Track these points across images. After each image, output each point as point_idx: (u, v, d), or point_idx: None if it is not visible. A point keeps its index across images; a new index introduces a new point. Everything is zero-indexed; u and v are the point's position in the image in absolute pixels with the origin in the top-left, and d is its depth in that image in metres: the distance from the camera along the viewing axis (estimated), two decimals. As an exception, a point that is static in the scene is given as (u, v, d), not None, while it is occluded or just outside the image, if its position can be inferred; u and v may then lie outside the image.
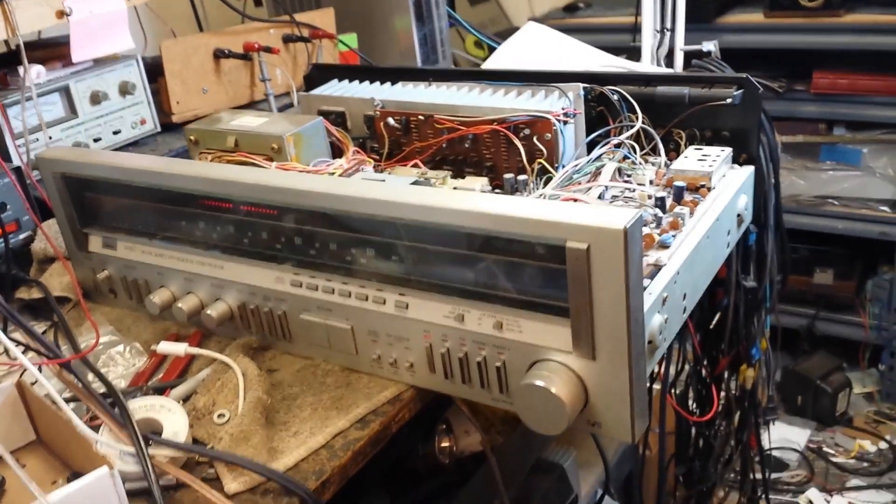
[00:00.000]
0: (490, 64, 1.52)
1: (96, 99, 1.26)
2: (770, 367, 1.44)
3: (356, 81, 1.18)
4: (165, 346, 0.85)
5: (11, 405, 0.76)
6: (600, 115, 1.03)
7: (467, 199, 0.69)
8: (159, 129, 1.36)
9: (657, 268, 0.78)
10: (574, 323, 0.66)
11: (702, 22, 2.13)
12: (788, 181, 2.32)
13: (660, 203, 0.87)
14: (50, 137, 1.20)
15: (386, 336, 0.79)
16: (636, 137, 0.99)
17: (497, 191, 0.97)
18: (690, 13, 1.78)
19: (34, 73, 1.18)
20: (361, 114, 1.10)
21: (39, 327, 0.97)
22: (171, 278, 0.92)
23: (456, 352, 0.75)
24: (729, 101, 0.96)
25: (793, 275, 2.29)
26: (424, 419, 0.97)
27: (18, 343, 0.76)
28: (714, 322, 1.28)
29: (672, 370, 1.39)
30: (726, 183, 0.94)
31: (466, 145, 1.00)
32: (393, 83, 1.14)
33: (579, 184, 0.92)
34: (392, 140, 1.06)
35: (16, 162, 1.14)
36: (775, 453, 2.16)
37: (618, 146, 0.98)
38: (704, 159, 0.94)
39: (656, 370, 1.35)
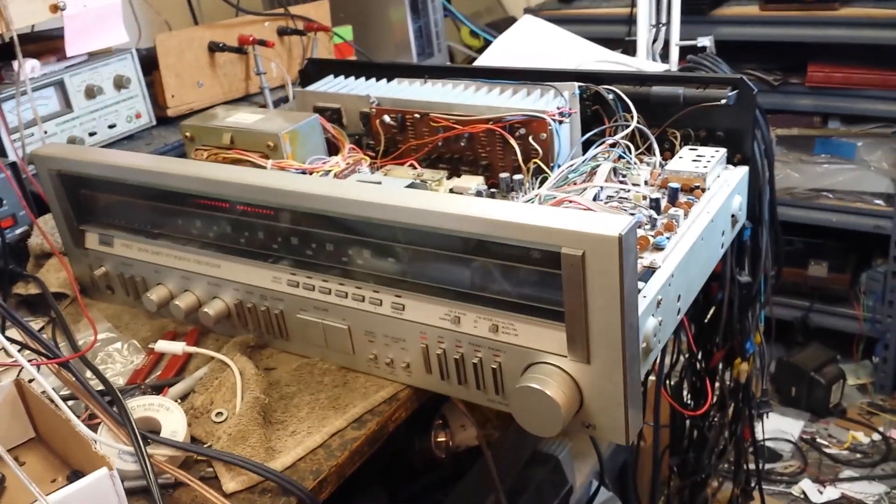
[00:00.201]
0: (485, 58, 1.51)
1: (91, 93, 1.26)
2: (764, 360, 1.45)
3: (352, 77, 1.18)
4: (163, 345, 0.85)
5: (10, 403, 0.77)
6: (595, 113, 1.04)
7: (462, 204, 0.69)
8: (154, 123, 1.36)
9: (652, 270, 0.79)
10: (569, 328, 0.67)
11: (697, 14, 2.12)
12: (783, 174, 2.32)
13: (654, 204, 0.88)
14: (45, 132, 1.20)
15: (383, 337, 0.79)
16: (631, 137, 1.00)
17: (493, 190, 0.97)
18: (686, 5, 1.78)
19: (29, 68, 1.17)
20: (357, 111, 1.10)
21: (37, 323, 0.98)
22: (168, 276, 0.92)
23: (452, 353, 0.75)
24: (723, 101, 0.96)
25: (787, 267, 2.30)
26: (421, 415, 0.97)
27: (15, 342, 0.76)
28: (708, 316, 1.28)
29: (667, 361, 1.40)
30: (721, 184, 0.94)
31: (462, 144, 1.00)
32: (389, 80, 1.14)
33: (574, 184, 0.93)
34: (388, 138, 1.06)
35: (11, 157, 1.14)
36: (769, 444, 2.18)
37: (613, 146, 0.98)
38: (699, 160, 0.94)
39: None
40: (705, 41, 1.54)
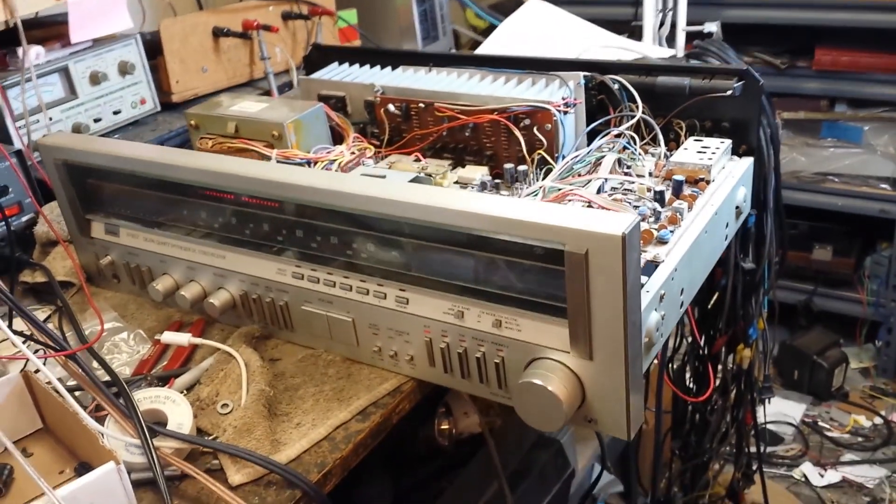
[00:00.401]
0: (490, 42, 1.51)
1: (96, 79, 1.26)
2: (767, 347, 1.45)
3: (356, 65, 1.18)
4: (169, 336, 0.86)
5: (18, 395, 0.78)
6: (601, 103, 1.03)
7: (466, 201, 0.69)
8: (159, 109, 1.36)
9: (655, 264, 0.79)
10: (572, 324, 0.67)
11: (705, -4, 2.11)
12: (789, 158, 2.31)
13: (659, 197, 0.88)
14: (50, 119, 1.20)
15: (387, 329, 0.80)
16: (636, 127, 1.00)
17: (497, 181, 0.97)
18: (693, -12, 1.76)
19: (33, 55, 1.17)
20: (362, 99, 1.10)
21: (43, 312, 0.99)
22: (173, 266, 0.93)
23: (455, 347, 0.76)
24: (729, 93, 0.96)
25: (792, 251, 2.30)
26: (424, 403, 0.98)
27: (22, 335, 0.77)
28: (712, 302, 1.29)
29: (669, 345, 1.40)
30: (725, 175, 0.94)
31: (467, 134, 1.00)
32: (394, 67, 1.14)
33: (579, 175, 0.93)
34: (392, 127, 1.06)
35: (16, 144, 1.14)
36: (770, 427, 2.19)
37: (618, 136, 0.98)
38: (704, 151, 0.94)
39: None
40: (712, 27, 1.52)
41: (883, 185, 2.24)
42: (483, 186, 0.96)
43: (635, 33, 1.76)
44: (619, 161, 0.96)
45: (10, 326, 0.85)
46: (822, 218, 2.35)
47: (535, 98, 0.96)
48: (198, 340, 0.86)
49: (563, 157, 0.96)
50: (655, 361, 1.42)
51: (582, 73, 1.01)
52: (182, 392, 0.81)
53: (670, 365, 1.48)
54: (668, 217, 0.85)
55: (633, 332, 0.67)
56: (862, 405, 2.29)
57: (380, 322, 0.80)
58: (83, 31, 1.22)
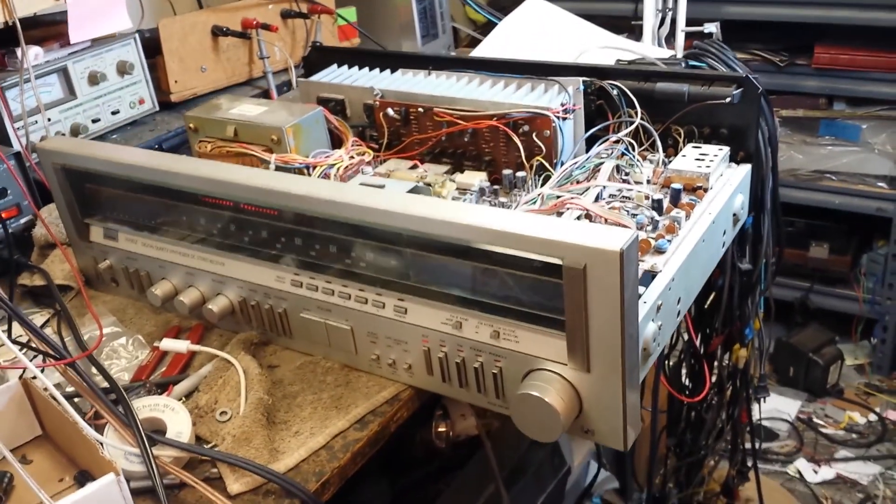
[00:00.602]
0: (490, 42, 1.51)
1: (94, 79, 1.25)
2: (763, 346, 1.46)
3: (356, 67, 1.17)
4: (168, 344, 0.86)
5: (17, 402, 0.78)
6: (599, 108, 1.04)
7: (465, 213, 0.69)
8: (157, 109, 1.36)
9: (652, 274, 0.79)
10: (569, 337, 0.68)
11: (704, -7, 2.11)
12: (787, 155, 2.31)
13: (656, 205, 0.88)
14: (49, 119, 1.20)
15: (385, 338, 0.80)
16: (635, 133, 1.00)
17: (496, 187, 0.97)
18: (693, -17, 1.76)
19: (32, 55, 1.17)
20: (361, 102, 1.10)
21: (42, 315, 0.99)
22: (172, 271, 0.93)
23: (453, 357, 0.76)
24: (728, 100, 0.96)
25: (789, 248, 2.31)
26: (422, 405, 0.99)
27: (21, 343, 0.77)
28: (708, 302, 1.29)
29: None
30: (723, 183, 0.94)
31: (466, 139, 1.01)
32: (393, 70, 1.14)
33: (577, 182, 0.93)
34: (391, 131, 1.06)
35: (15, 145, 1.14)
36: (765, 423, 2.20)
37: (616, 142, 0.98)
38: (702, 159, 0.94)
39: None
40: (712, 27, 1.52)
41: (880, 184, 2.24)
42: (481, 192, 0.96)
43: (635, 31, 1.76)
44: (618, 168, 0.96)
45: (9, 333, 0.86)
46: (819, 216, 2.36)
47: (534, 104, 0.96)
48: (196, 348, 0.87)
49: (562, 163, 0.96)
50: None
51: (581, 79, 1.01)
52: (181, 399, 0.82)
53: (666, 362, 1.49)
54: (665, 226, 0.85)
55: (631, 345, 0.67)
56: (857, 402, 2.30)
57: (378, 331, 0.80)
58: (82, 31, 1.21)
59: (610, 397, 0.69)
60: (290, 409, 0.80)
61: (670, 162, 0.96)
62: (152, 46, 1.37)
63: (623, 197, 0.92)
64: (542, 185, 0.93)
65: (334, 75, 1.16)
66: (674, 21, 1.64)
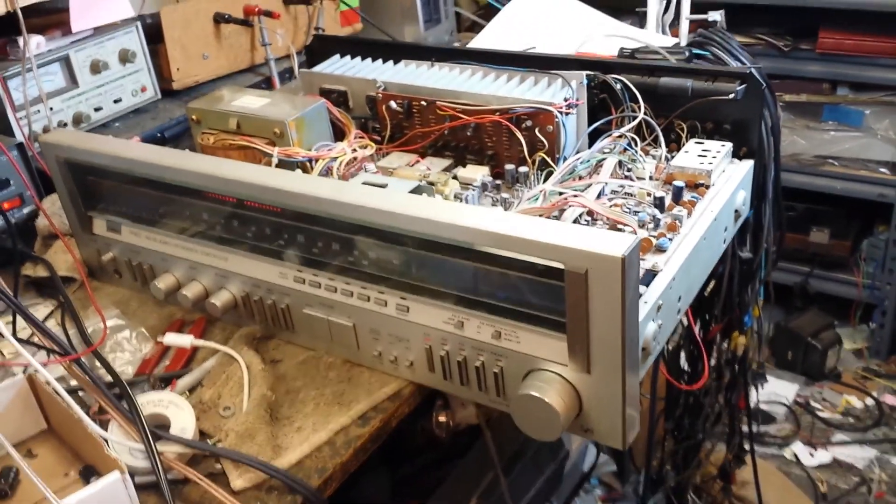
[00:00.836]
0: (492, 27, 1.50)
1: (96, 68, 1.25)
2: (762, 334, 1.47)
3: (358, 58, 1.17)
4: (171, 338, 0.87)
5: (23, 397, 0.79)
6: (602, 102, 1.03)
7: (467, 216, 0.70)
8: (160, 97, 1.36)
9: (653, 273, 0.80)
10: (570, 339, 0.68)
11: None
12: (790, 140, 2.31)
13: (658, 203, 0.88)
14: (51, 108, 1.20)
15: (387, 335, 0.81)
16: (637, 127, 1.00)
17: (498, 181, 0.98)
18: (698, -32, 1.74)
19: (34, 45, 1.17)
20: (364, 94, 1.10)
21: (45, 307, 0.99)
22: (175, 265, 0.93)
23: (455, 355, 0.77)
24: (731, 96, 0.96)
25: (790, 233, 2.31)
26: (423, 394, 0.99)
27: (27, 342, 0.78)
28: (708, 289, 1.29)
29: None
30: (725, 179, 0.94)
31: (468, 133, 1.01)
32: (396, 61, 1.14)
33: (580, 178, 0.93)
34: (394, 123, 1.06)
35: (18, 136, 1.14)
36: (763, 407, 2.21)
37: (619, 137, 0.98)
38: (705, 155, 0.94)
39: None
40: (716, 15, 1.51)
41: (882, 170, 2.24)
42: (484, 188, 0.96)
43: (638, 15, 1.75)
44: (620, 163, 0.96)
45: (13, 326, 0.86)
46: (821, 200, 2.36)
47: (537, 99, 0.96)
48: (200, 343, 0.87)
49: (565, 158, 0.97)
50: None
51: (584, 73, 1.01)
52: (184, 393, 0.83)
53: (666, 345, 1.49)
54: (667, 224, 0.86)
55: (631, 347, 0.68)
56: (854, 386, 2.32)
57: (380, 328, 0.81)
58: (84, 20, 1.21)
59: (610, 398, 0.70)
60: (293, 405, 0.81)
61: (673, 157, 0.96)
62: (154, 32, 1.36)
63: (625, 193, 0.92)
64: (545, 181, 0.93)
65: (337, 66, 1.16)
66: (678, 8, 1.63)
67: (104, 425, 0.75)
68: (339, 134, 1.07)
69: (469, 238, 0.69)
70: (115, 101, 1.29)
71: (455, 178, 0.98)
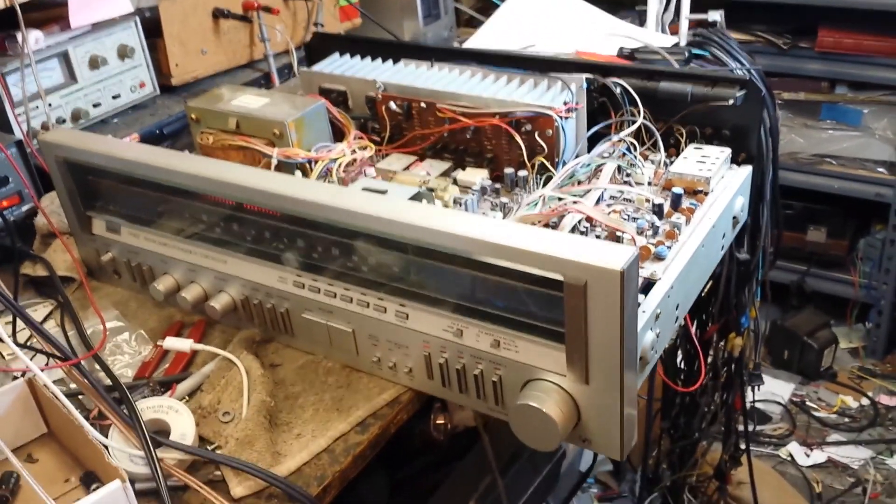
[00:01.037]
0: (491, 24, 1.50)
1: (95, 63, 1.25)
2: (758, 335, 1.47)
3: (357, 57, 1.17)
4: (171, 342, 0.87)
5: (23, 401, 0.79)
6: (602, 106, 1.03)
7: (466, 225, 0.70)
8: (158, 92, 1.35)
9: (651, 282, 0.80)
10: (569, 349, 0.69)
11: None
12: (788, 138, 2.31)
13: (657, 210, 0.88)
14: (49, 105, 1.19)
15: (386, 342, 0.81)
16: (637, 131, 1.00)
17: (497, 185, 0.98)
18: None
19: (32, 40, 1.16)
20: (363, 94, 1.10)
21: (45, 306, 0.99)
22: (174, 266, 0.93)
23: (454, 363, 0.77)
24: (731, 102, 0.96)
25: (787, 231, 2.32)
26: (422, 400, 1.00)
27: (27, 347, 0.78)
28: (705, 290, 1.30)
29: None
30: (724, 186, 0.94)
31: (468, 136, 1.01)
32: (395, 60, 1.13)
33: (578, 183, 0.93)
34: (393, 124, 1.06)
35: (16, 132, 1.14)
36: (759, 406, 2.22)
37: (618, 142, 0.98)
38: (704, 161, 0.94)
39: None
40: (716, 15, 1.52)
41: (880, 169, 2.24)
42: (483, 192, 0.96)
43: (636, 8, 1.74)
44: (619, 168, 0.96)
45: (13, 328, 0.86)
46: (818, 199, 2.36)
47: (536, 102, 0.96)
48: (200, 347, 0.87)
49: (564, 162, 0.97)
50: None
51: (584, 76, 1.00)
52: (184, 398, 0.83)
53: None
54: (665, 232, 0.86)
55: (629, 360, 0.68)
56: (850, 386, 2.33)
57: (379, 334, 0.81)
58: (82, 15, 1.20)
59: (608, 409, 0.70)
60: (292, 411, 0.81)
61: (672, 163, 0.96)
62: (152, 27, 1.35)
63: (624, 199, 0.92)
64: (544, 186, 0.93)
65: (336, 65, 1.16)
66: (678, 7, 1.63)
67: (104, 430, 0.75)
68: (338, 133, 1.07)
69: (468, 247, 0.70)
70: (114, 97, 1.28)
71: (454, 181, 0.98)
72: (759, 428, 2.18)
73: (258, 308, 0.89)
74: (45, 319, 0.96)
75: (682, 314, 0.87)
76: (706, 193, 0.92)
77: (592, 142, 1.00)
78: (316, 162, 0.99)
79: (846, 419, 2.22)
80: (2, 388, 0.77)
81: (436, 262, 0.74)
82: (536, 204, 0.89)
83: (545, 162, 0.96)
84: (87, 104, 1.25)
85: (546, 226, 0.86)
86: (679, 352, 1.52)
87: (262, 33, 1.45)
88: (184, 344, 0.87)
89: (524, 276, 0.69)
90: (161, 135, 1.29)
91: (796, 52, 2.23)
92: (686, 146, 0.99)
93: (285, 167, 0.98)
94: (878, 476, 2.03)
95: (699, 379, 1.51)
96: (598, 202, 0.91)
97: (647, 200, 0.90)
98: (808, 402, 2.28)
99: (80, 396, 0.82)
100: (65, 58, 1.21)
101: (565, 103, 0.97)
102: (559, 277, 0.65)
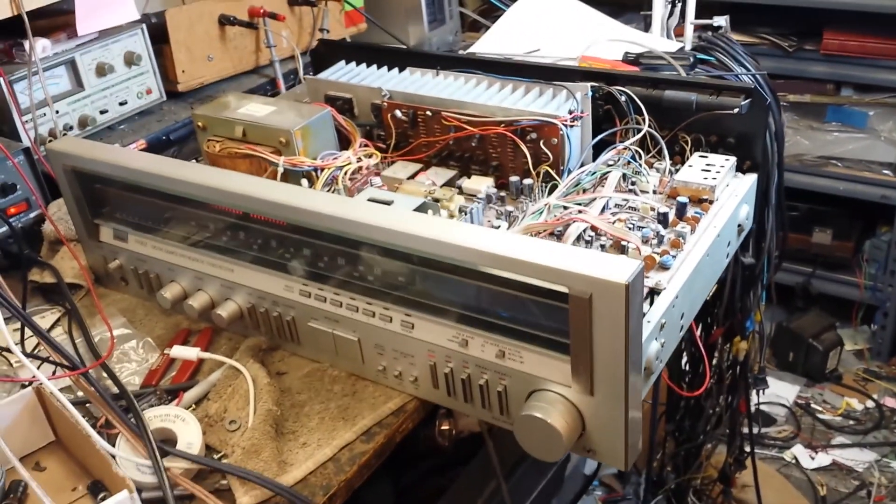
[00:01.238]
0: (497, 30, 1.50)
1: (102, 71, 1.25)
2: (763, 339, 1.47)
3: (363, 64, 1.17)
4: (178, 351, 0.88)
5: (31, 409, 0.79)
6: (607, 113, 1.04)
7: (472, 237, 0.70)
8: (165, 99, 1.36)
9: (656, 292, 0.80)
10: (574, 361, 0.69)
11: (714, -23, 2.09)
12: (793, 140, 2.31)
13: (662, 219, 0.88)
14: (57, 112, 1.20)
15: (392, 351, 0.81)
16: (642, 139, 1.00)
17: (502, 193, 0.98)
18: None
19: (40, 48, 1.17)
20: (369, 101, 1.10)
21: (53, 313, 1.00)
22: (181, 274, 0.94)
23: (459, 373, 0.78)
24: (736, 110, 0.96)
25: (792, 233, 2.31)
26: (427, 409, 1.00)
27: (35, 356, 0.78)
28: (710, 294, 1.30)
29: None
30: (729, 194, 0.95)
31: (473, 144, 1.01)
32: (401, 68, 1.14)
33: (584, 191, 0.94)
34: (399, 132, 1.07)
35: (24, 140, 1.15)
36: (763, 408, 2.22)
37: (623, 150, 0.98)
38: (709, 169, 0.95)
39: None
40: (721, 21, 1.51)
41: (885, 171, 2.24)
42: (488, 200, 0.96)
43: (642, 10, 1.74)
44: (624, 176, 0.96)
45: (21, 335, 0.87)
46: (824, 201, 2.36)
47: (541, 111, 0.96)
48: (206, 355, 0.88)
49: (569, 171, 0.97)
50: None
51: (589, 84, 1.01)
52: (190, 407, 0.83)
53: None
54: (670, 241, 0.86)
55: (634, 371, 0.68)
56: (855, 388, 2.32)
57: (385, 343, 0.82)
58: (89, 23, 1.21)
59: (612, 419, 0.70)
60: (298, 419, 0.82)
61: (677, 171, 0.96)
62: (158, 33, 1.36)
63: (629, 207, 0.93)
64: (549, 194, 0.93)
65: (342, 73, 1.16)
66: (683, 12, 1.62)
67: (112, 439, 0.75)
68: (344, 141, 1.07)
69: (473, 259, 0.70)
70: (121, 104, 1.29)
71: (460, 189, 0.99)
72: (763, 430, 2.18)
73: (264, 316, 0.89)
74: (52, 326, 0.97)
75: (688, 323, 0.87)
76: (711, 202, 0.92)
77: (597, 150, 1.00)
78: (322, 170, 0.99)
79: (851, 421, 2.22)
80: (10, 397, 0.78)
81: (441, 273, 0.75)
82: (541, 212, 0.89)
83: (550, 170, 0.96)
84: (94, 111, 1.25)
85: (551, 234, 0.86)
86: (684, 355, 1.52)
87: (268, 39, 1.46)
88: (191, 352, 0.87)
89: (529, 287, 0.69)
90: (168, 141, 1.30)
91: (801, 55, 2.23)
92: (691, 154, 1.00)
93: (291, 175, 0.98)
94: (882, 479, 2.03)
95: (704, 383, 1.51)
96: (603, 210, 0.91)
97: (653, 209, 0.91)
98: (812, 405, 2.28)
99: (87, 405, 0.82)
100: (72, 65, 1.22)
101: (570, 112, 0.97)
102: (564, 290, 0.66)
